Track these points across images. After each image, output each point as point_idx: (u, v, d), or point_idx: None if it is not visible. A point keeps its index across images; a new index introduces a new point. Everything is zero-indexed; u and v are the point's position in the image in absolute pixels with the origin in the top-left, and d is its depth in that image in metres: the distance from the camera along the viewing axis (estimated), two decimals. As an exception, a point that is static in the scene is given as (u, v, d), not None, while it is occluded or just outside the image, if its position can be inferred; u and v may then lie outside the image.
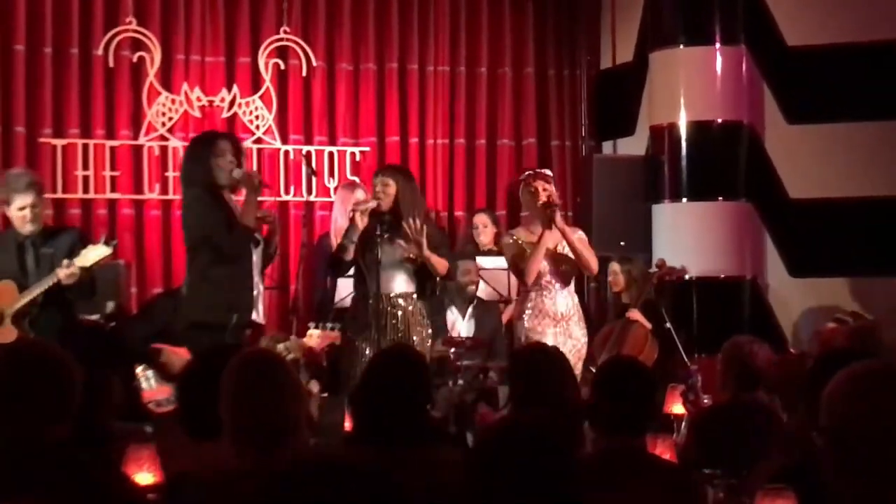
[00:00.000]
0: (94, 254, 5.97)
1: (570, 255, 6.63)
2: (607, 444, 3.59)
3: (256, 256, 6.22)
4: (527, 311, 6.62)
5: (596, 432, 3.73)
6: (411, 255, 6.33)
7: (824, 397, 2.22)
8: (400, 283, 6.45)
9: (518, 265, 6.67)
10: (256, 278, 6.23)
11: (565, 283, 6.66)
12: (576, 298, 6.74)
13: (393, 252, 6.38)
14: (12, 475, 2.68)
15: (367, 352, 6.25)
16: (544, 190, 6.59)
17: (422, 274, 6.46)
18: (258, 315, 6.38)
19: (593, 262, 6.67)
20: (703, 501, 3.54)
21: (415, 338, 6.38)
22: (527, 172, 6.93)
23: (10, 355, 2.97)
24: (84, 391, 3.02)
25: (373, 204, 6.37)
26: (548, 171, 6.85)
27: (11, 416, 2.77)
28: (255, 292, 6.22)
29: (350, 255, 6.37)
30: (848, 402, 2.19)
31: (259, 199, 6.37)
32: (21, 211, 5.99)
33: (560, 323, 6.56)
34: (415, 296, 6.45)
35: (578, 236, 6.72)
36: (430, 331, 6.59)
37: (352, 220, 6.45)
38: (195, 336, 6.00)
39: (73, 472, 2.75)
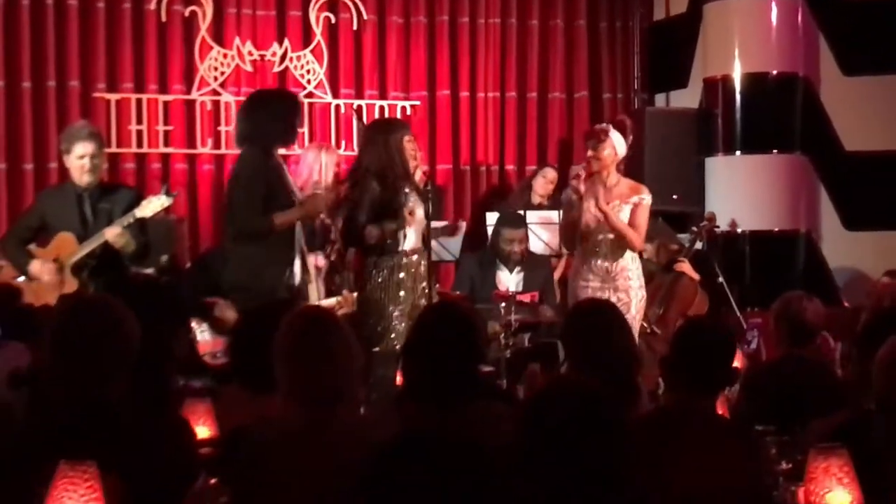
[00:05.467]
0: (155, 204, 6.01)
1: (621, 219, 6.46)
2: (676, 400, 3.58)
3: (299, 230, 6.14)
4: (577, 270, 6.56)
5: (669, 388, 3.70)
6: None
7: (876, 361, 2.20)
8: (411, 240, 6.36)
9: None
10: (309, 257, 6.19)
11: (617, 244, 6.51)
12: (630, 259, 6.57)
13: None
14: (72, 433, 2.72)
15: (391, 308, 6.19)
16: (591, 156, 6.46)
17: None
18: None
19: (636, 241, 6.50)
20: (766, 460, 3.51)
21: (426, 290, 6.31)
22: (596, 127, 6.73)
23: (72, 312, 2.98)
24: (144, 346, 3.05)
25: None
26: (605, 126, 6.62)
27: (72, 373, 2.79)
28: (296, 264, 6.09)
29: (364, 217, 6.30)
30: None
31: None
32: (80, 160, 5.99)
33: (608, 281, 6.46)
34: (425, 251, 6.38)
35: (640, 200, 6.51)
36: (436, 283, 6.57)
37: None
38: (239, 297, 6.00)
39: (131, 430, 2.78)
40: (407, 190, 6.25)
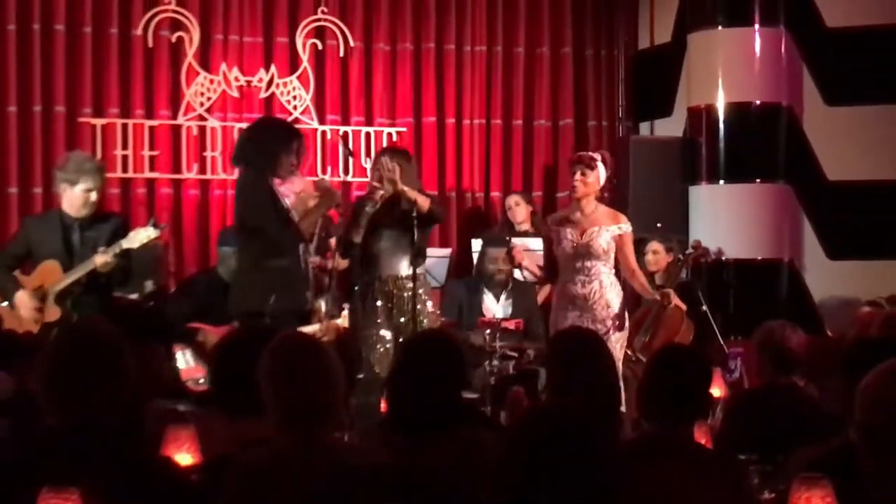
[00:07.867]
0: (142, 236, 6.06)
1: (599, 243, 6.50)
2: (655, 429, 3.58)
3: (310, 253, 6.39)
4: (558, 299, 6.61)
5: (644, 417, 3.70)
6: (384, 193, 6.50)
7: (859, 392, 2.21)
8: (403, 267, 6.54)
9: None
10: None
11: (595, 271, 6.54)
12: (610, 286, 6.58)
13: (394, 236, 6.48)
14: (68, 461, 2.70)
15: (382, 332, 6.35)
16: (579, 179, 6.55)
17: (412, 240, 6.54)
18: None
19: (641, 280, 6.66)
20: (748, 490, 3.51)
21: (424, 319, 6.45)
22: (580, 154, 6.80)
23: (69, 338, 2.95)
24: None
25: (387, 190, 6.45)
26: (595, 155, 6.69)
27: (69, 401, 2.76)
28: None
29: (359, 237, 6.49)
30: (882, 401, 2.18)
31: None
32: (86, 193, 6.07)
33: (585, 308, 6.46)
34: (419, 277, 6.52)
35: (623, 231, 6.58)
36: (432, 307, 6.74)
37: (363, 200, 6.57)
38: (248, 323, 6.04)
39: (124, 458, 2.77)
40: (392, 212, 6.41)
